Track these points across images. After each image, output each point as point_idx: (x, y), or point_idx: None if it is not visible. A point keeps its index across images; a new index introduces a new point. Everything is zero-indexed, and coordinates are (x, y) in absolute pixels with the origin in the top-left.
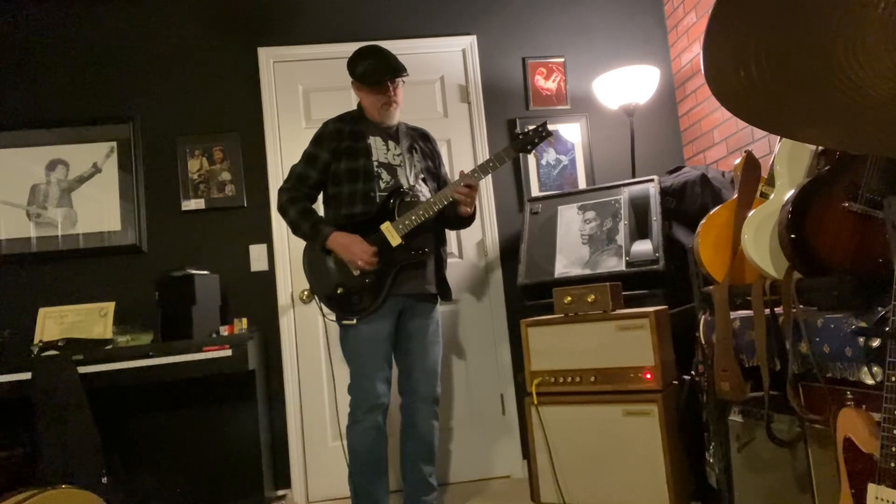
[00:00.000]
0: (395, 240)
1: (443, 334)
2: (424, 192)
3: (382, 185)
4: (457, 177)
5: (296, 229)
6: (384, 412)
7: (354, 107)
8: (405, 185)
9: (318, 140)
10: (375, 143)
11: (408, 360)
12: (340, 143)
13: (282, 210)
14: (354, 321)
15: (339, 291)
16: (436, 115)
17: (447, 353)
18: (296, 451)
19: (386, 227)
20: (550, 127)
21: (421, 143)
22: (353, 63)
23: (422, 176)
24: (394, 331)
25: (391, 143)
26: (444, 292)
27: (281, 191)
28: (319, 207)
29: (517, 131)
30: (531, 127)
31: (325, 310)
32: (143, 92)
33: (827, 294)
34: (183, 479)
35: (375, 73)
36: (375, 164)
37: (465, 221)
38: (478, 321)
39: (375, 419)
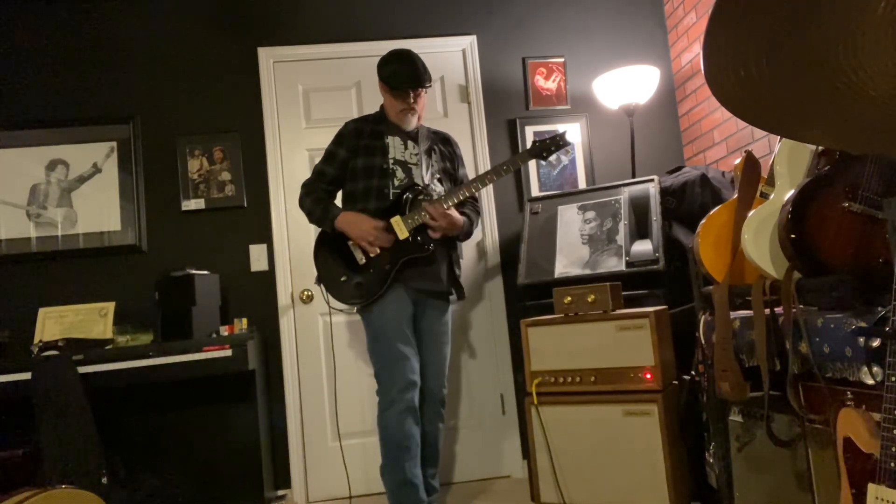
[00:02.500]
0: (402, 233)
1: None
2: (439, 190)
3: (397, 183)
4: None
5: (310, 216)
6: (417, 391)
7: (355, 107)
8: (420, 183)
9: (338, 138)
10: (394, 142)
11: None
12: (359, 141)
13: (300, 202)
14: (355, 309)
15: (342, 279)
16: (436, 115)
17: None
18: (296, 451)
19: (395, 220)
20: (550, 127)
21: (441, 145)
22: (383, 64)
23: (437, 176)
24: (413, 315)
25: (410, 143)
26: (458, 292)
27: (302, 185)
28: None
29: (535, 139)
30: (549, 135)
31: (332, 301)
32: (143, 92)
33: (827, 294)
34: (183, 479)
35: (398, 78)
36: (391, 161)
37: (458, 237)
38: (478, 321)
39: (411, 399)
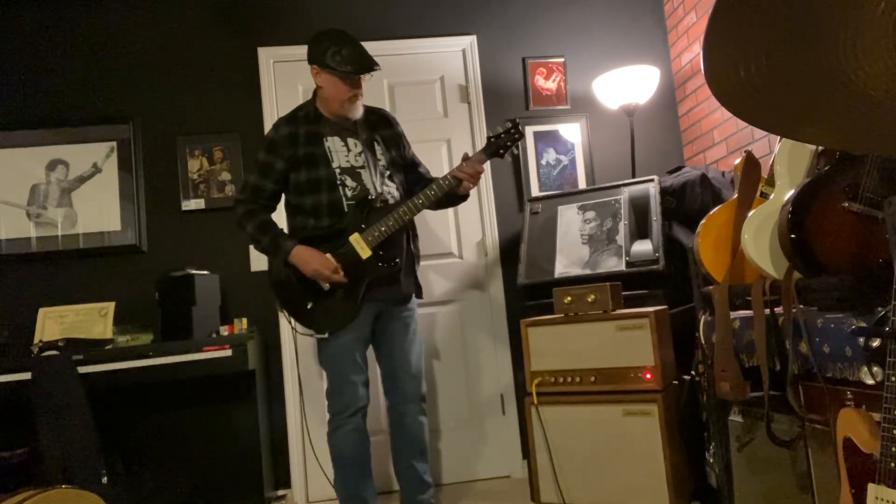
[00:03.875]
0: (364, 252)
1: (443, 334)
2: (393, 192)
3: (349, 194)
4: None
5: (256, 244)
6: (364, 414)
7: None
8: (373, 192)
9: (270, 147)
10: (334, 144)
11: (391, 363)
12: (297, 151)
13: (239, 224)
14: (326, 335)
15: (308, 307)
16: (436, 115)
17: (447, 353)
18: (296, 451)
19: (355, 238)
20: (550, 127)
21: (382, 130)
22: (322, 46)
23: (388, 173)
24: (370, 334)
25: (351, 141)
26: (417, 291)
27: (237, 203)
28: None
29: (489, 134)
30: (502, 129)
31: (299, 328)
32: (143, 92)
33: (827, 294)
34: (183, 479)
35: (352, 63)
36: (337, 171)
37: (456, 201)
38: (478, 321)
39: (357, 422)
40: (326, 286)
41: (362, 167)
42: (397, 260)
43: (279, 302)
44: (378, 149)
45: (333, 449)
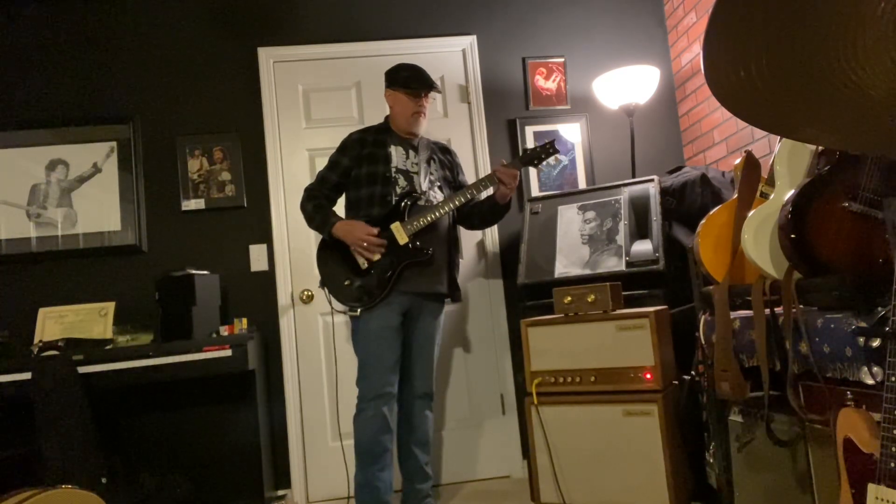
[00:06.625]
0: (402, 238)
1: (443, 334)
2: (439, 197)
3: (399, 190)
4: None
5: (310, 222)
6: (391, 402)
7: (355, 107)
8: (419, 191)
9: (342, 147)
10: (396, 151)
11: (409, 357)
12: (363, 150)
13: (302, 206)
14: (358, 312)
15: (346, 283)
16: (436, 114)
17: (447, 353)
18: (296, 451)
19: (395, 226)
20: (550, 127)
21: (440, 154)
22: (395, 72)
23: (438, 184)
24: (401, 325)
25: (411, 153)
26: (454, 294)
27: (305, 190)
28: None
29: (526, 147)
30: (538, 145)
31: (335, 304)
32: (143, 92)
33: (827, 294)
34: (183, 479)
35: (415, 81)
36: (394, 169)
37: (499, 211)
38: (478, 321)
39: (381, 409)
40: (364, 263)
41: (416, 173)
42: (430, 249)
43: (321, 278)
44: (434, 165)
45: (355, 432)
